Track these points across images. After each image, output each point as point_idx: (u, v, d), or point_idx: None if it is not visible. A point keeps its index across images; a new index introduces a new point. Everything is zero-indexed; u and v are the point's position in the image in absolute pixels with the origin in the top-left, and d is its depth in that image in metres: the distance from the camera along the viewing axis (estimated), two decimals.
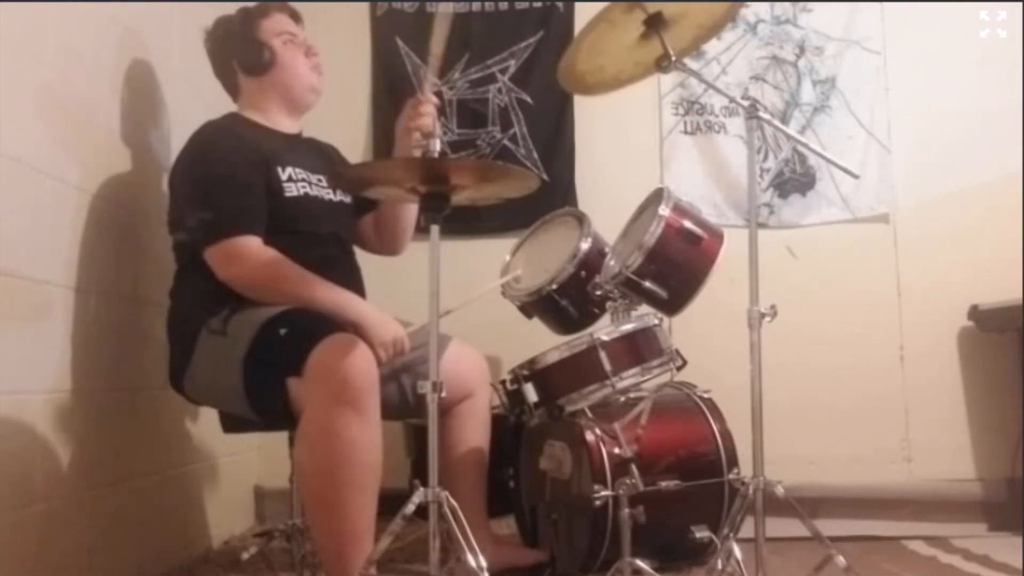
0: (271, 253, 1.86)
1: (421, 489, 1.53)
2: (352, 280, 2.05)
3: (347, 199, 2.11)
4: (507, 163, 2.30)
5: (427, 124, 1.94)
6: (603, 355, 1.99)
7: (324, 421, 1.67)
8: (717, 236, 2.04)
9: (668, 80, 2.98)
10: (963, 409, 2.89)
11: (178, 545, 2.29)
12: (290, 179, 1.97)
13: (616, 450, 1.93)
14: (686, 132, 3.03)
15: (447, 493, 1.53)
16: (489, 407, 2.20)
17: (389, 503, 1.67)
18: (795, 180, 3.00)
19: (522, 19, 3.05)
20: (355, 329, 1.81)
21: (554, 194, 2.93)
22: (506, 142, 3.03)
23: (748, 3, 2.97)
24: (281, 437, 2.00)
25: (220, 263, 1.85)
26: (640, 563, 1.78)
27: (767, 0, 3.04)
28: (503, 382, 2.16)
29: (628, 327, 2.06)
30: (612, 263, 2.13)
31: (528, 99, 3.03)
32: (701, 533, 1.94)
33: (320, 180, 2.05)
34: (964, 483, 2.81)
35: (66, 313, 1.81)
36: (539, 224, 2.46)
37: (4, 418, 1.60)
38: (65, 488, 1.76)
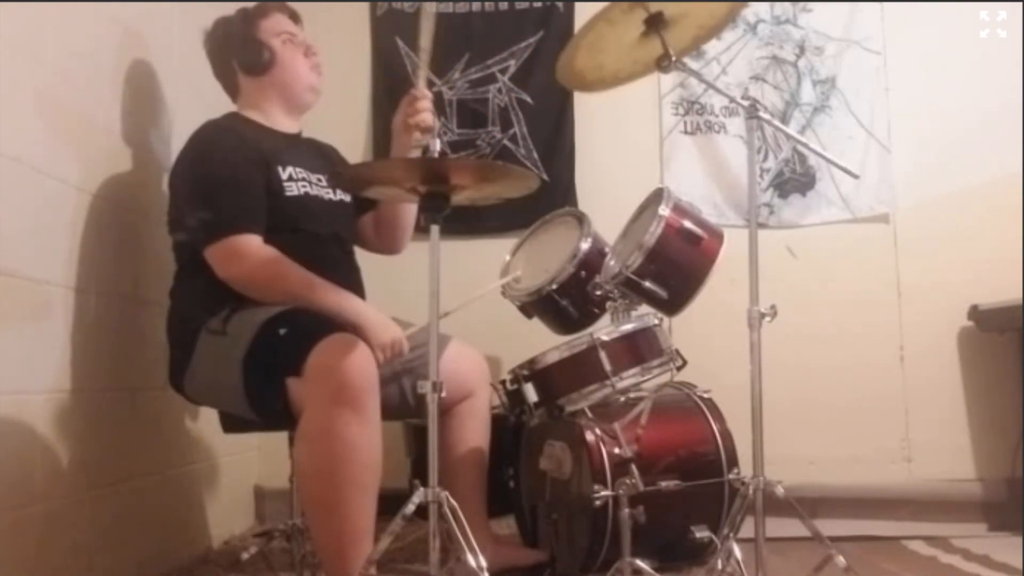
0: (272, 252, 1.86)
1: (421, 489, 1.53)
2: (352, 280, 2.05)
3: (347, 198, 2.11)
4: (507, 163, 2.30)
5: (426, 119, 1.94)
6: (603, 355, 1.99)
7: (324, 421, 1.67)
8: (717, 236, 2.03)
9: (668, 80, 2.98)
10: (963, 409, 2.89)
11: (178, 545, 2.29)
12: (290, 178, 1.97)
13: (616, 450, 1.93)
14: (686, 132, 3.03)
15: (447, 493, 1.53)
16: (489, 407, 2.20)
17: (389, 503, 1.67)
18: (795, 180, 3.00)
19: (522, 19, 3.05)
20: (354, 330, 1.81)
21: (554, 194, 2.93)
22: (506, 142, 3.03)
23: (749, 3, 2.97)
24: (281, 437, 2.00)
25: (220, 261, 1.85)
26: (640, 563, 1.78)
27: (767, 0, 3.04)
28: (503, 382, 2.16)
29: (628, 327, 2.06)
30: (612, 263, 2.13)
31: (528, 99, 3.03)
32: (701, 533, 1.94)
33: (320, 180, 2.05)
34: (964, 483, 2.81)
35: (66, 313, 1.81)
36: (539, 224, 2.46)
37: (4, 418, 1.60)
38: (65, 488, 1.76)
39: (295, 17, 2.13)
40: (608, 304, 2.15)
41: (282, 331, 1.76)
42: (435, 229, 1.59)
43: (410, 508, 1.53)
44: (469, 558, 1.51)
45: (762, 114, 1.80)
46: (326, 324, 1.76)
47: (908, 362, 2.91)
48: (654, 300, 2.02)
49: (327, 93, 2.18)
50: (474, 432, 2.13)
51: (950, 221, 2.92)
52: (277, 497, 2.71)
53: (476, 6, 3.06)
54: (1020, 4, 2.90)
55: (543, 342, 2.15)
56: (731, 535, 1.70)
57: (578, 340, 2.04)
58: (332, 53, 2.42)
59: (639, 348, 2.05)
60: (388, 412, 1.82)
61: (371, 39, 3.08)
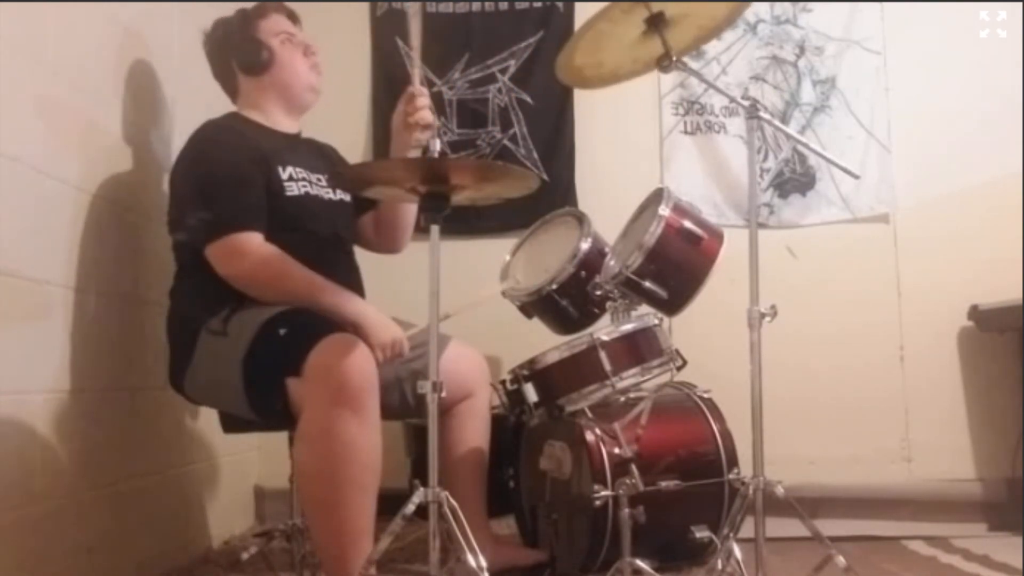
0: (273, 250, 1.86)
1: (421, 489, 1.53)
2: (352, 280, 2.05)
3: (347, 198, 2.11)
4: (507, 163, 2.30)
5: (425, 116, 1.94)
6: (603, 355, 1.99)
7: (323, 421, 1.67)
8: (717, 236, 2.03)
9: (668, 80, 2.98)
10: (963, 409, 2.89)
11: (178, 545, 2.29)
12: (291, 178, 1.97)
13: (616, 450, 1.93)
14: (686, 132, 3.03)
15: (447, 493, 1.53)
16: (489, 407, 2.20)
17: (389, 503, 1.67)
18: (795, 180, 3.00)
19: (522, 19, 3.05)
20: (354, 329, 1.81)
21: (554, 194, 2.93)
22: (506, 142, 3.03)
23: (750, 4, 2.97)
24: (281, 437, 2.00)
25: (222, 259, 1.85)
26: (640, 563, 1.78)
27: (767, 0, 3.04)
28: (503, 382, 2.16)
29: (628, 327, 2.06)
30: (612, 263, 2.13)
31: (528, 99, 3.03)
32: (701, 533, 1.94)
33: (320, 179, 2.05)
34: (964, 483, 2.81)
35: (66, 313, 1.81)
36: (539, 224, 2.46)
37: (4, 418, 1.60)
38: (65, 488, 1.76)
39: (293, 17, 2.13)
40: (608, 304, 2.15)
41: (282, 331, 1.76)
42: (435, 229, 1.59)
43: (410, 508, 1.53)
44: (469, 558, 1.51)
45: (762, 114, 1.80)
46: (326, 324, 1.76)
47: (908, 362, 2.91)
48: (654, 300, 2.02)
49: (327, 93, 2.18)
50: (474, 432, 2.13)
51: (950, 221, 2.92)
52: (277, 497, 2.71)
53: (476, 6, 3.06)
54: (1020, 4, 2.90)
55: (543, 342, 2.15)
56: (731, 535, 1.70)
57: (578, 340, 2.04)
58: (332, 53, 2.41)
59: (639, 348, 2.05)
60: (388, 412, 1.82)
61: (371, 39, 3.08)
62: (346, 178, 2.03)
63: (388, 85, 3.02)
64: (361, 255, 2.18)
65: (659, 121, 3.03)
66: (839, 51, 3.02)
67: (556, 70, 1.99)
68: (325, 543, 1.74)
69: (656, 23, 1.81)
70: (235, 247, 1.84)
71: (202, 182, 1.90)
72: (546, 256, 2.33)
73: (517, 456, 2.29)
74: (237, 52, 2.06)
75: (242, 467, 2.80)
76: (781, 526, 1.79)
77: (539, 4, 3.05)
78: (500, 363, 2.60)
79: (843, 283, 2.93)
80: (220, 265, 1.85)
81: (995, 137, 2.92)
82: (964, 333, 2.88)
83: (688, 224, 1.99)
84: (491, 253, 2.55)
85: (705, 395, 2.15)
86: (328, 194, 2.05)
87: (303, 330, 1.74)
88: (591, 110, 3.01)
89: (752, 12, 3.02)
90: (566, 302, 2.24)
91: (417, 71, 1.93)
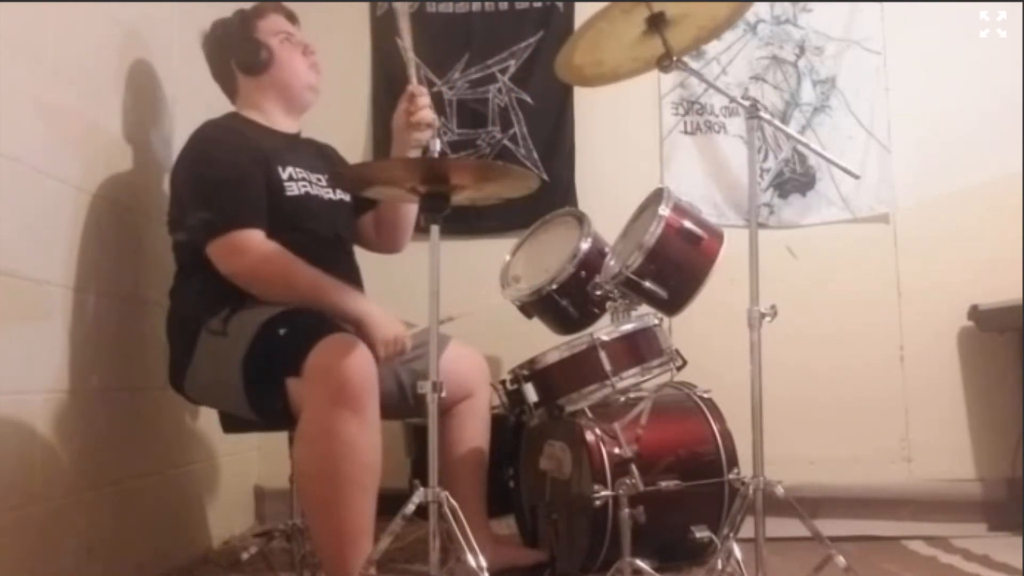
0: (274, 246, 1.86)
1: (421, 489, 1.53)
2: (352, 280, 2.05)
3: (347, 198, 2.11)
4: (507, 163, 2.30)
5: (428, 115, 1.94)
6: (603, 355, 1.99)
7: (323, 421, 1.67)
8: (717, 236, 2.03)
9: (668, 80, 2.98)
10: (963, 409, 2.88)
11: (178, 545, 2.29)
12: (290, 178, 1.97)
13: (616, 450, 1.93)
14: (686, 132, 3.03)
15: (447, 493, 1.53)
16: (489, 407, 2.20)
17: (389, 503, 1.67)
18: (795, 180, 3.00)
19: (522, 19, 3.05)
20: (357, 325, 1.81)
21: (554, 194, 2.92)
22: (506, 142, 3.03)
23: (751, 4, 2.97)
24: (281, 437, 2.00)
25: (223, 256, 1.85)
26: (640, 563, 1.78)
27: (767, 0, 3.04)
28: (503, 382, 2.16)
29: (628, 327, 2.06)
30: (612, 263, 2.13)
31: (528, 99, 3.03)
32: (701, 533, 1.94)
33: (320, 179, 2.05)
34: (964, 483, 2.81)
35: (66, 313, 1.81)
36: (539, 224, 2.46)
37: (4, 418, 1.60)
38: (65, 488, 1.76)
39: (292, 17, 2.13)
40: (608, 304, 2.15)
41: (282, 331, 1.76)
42: (435, 229, 1.59)
43: (410, 508, 1.53)
44: (469, 558, 1.51)
45: (762, 114, 1.80)
46: (326, 324, 1.76)
47: (908, 362, 2.90)
48: (654, 300, 2.02)
49: (327, 93, 2.18)
50: (474, 432, 2.13)
51: (950, 221, 2.91)
52: (277, 497, 2.71)
53: (476, 6, 3.06)
54: (1020, 4, 2.90)
55: (543, 342, 2.15)
56: (731, 535, 1.70)
57: (578, 340, 2.04)
58: (332, 53, 2.42)
59: (639, 348, 2.05)
60: (388, 412, 1.82)
61: (371, 39, 3.08)
62: (346, 178, 2.03)
63: (388, 85, 3.01)
64: (361, 255, 2.18)
65: (659, 121, 3.02)
66: (839, 51, 3.02)
67: (556, 68, 1.98)
68: (325, 543, 1.74)
69: (656, 23, 1.81)
70: (236, 244, 1.84)
71: (202, 181, 1.90)
72: (546, 256, 2.33)
73: (517, 456, 2.29)
74: (236, 52, 2.06)
75: (242, 467, 2.80)
76: (781, 526, 1.79)
77: (539, 4, 3.05)
78: (500, 363, 2.59)
79: (843, 283, 2.93)
80: (221, 262, 1.85)
81: (995, 137, 2.92)
82: (964, 333, 2.88)
83: (688, 224, 1.99)
84: (491, 253, 2.55)
85: (705, 395, 2.15)
86: (328, 194, 2.05)
87: (303, 330, 1.74)
88: (591, 110, 3.01)
89: (752, 12, 3.02)
90: (566, 302, 2.24)
91: (413, 70, 1.93)
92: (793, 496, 1.66)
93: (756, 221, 1.81)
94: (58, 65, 1.79)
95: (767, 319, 1.73)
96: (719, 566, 1.69)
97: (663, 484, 1.92)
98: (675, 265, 1.99)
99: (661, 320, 2.10)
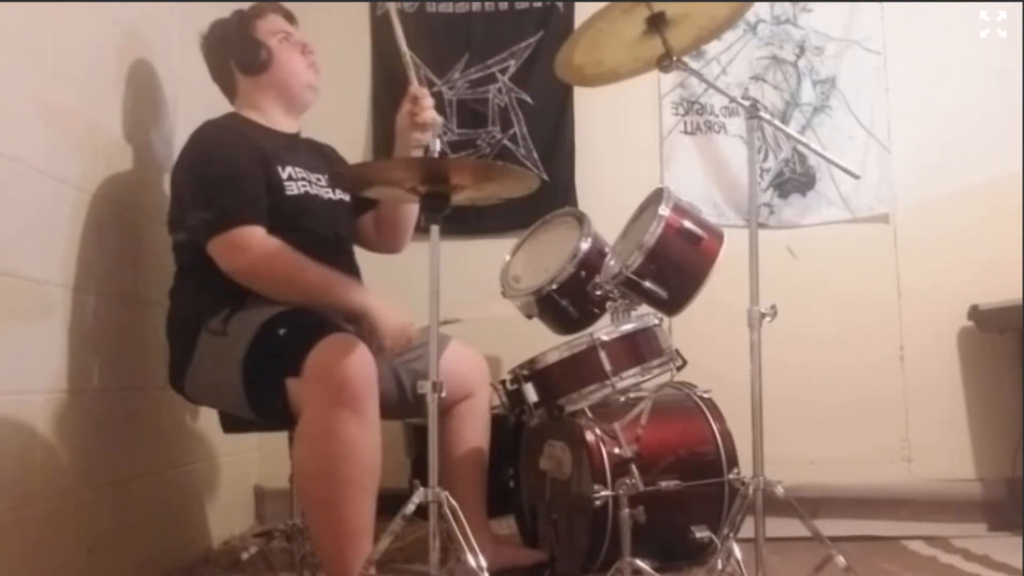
0: (275, 243, 1.86)
1: (421, 489, 1.53)
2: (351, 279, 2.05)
3: (346, 198, 2.11)
4: (507, 163, 2.30)
5: (432, 115, 1.94)
6: (603, 355, 1.99)
7: (323, 421, 1.66)
8: (717, 236, 2.03)
9: (668, 80, 2.98)
10: (963, 409, 2.89)
11: (178, 545, 2.29)
12: (290, 178, 1.97)
13: (616, 450, 1.93)
14: (686, 132, 3.03)
15: (447, 493, 1.53)
16: (489, 407, 2.20)
17: (389, 503, 1.67)
18: (795, 180, 3.00)
19: (522, 19, 3.05)
20: (362, 318, 1.81)
21: (554, 194, 2.92)
22: (506, 142, 3.03)
23: (751, 4, 2.97)
24: (281, 437, 2.00)
25: (224, 254, 1.84)
26: (640, 563, 1.78)
27: (767, 0, 3.04)
28: (503, 382, 2.16)
29: (628, 327, 2.06)
30: (612, 263, 2.13)
31: (528, 99, 3.03)
32: (701, 533, 1.94)
33: (320, 179, 2.05)
34: (964, 483, 2.81)
35: (66, 313, 1.81)
36: (539, 224, 2.46)
37: (4, 418, 1.60)
38: (65, 488, 1.76)
39: (290, 17, 2.13)
40: (608, 304, 2.15)
41: (282, 331, 1.76)
42: (435, 229, 1.59)
43: (410, 508, 1.53)
44: (469, 558, 1.51)
45: (762, 114, 1.80)
46: (326, 324, 1.76)
47: (908, 362, 2.91)
48: (654, 300, 2.02)
49: (327, 93, 2.18)
50: (474, 432, 2.13)
51: (950, 221, 2.92)
52: (277, 497, 2.71)
53: (476, 6, 3.06)
54: (1020, 4, 2.90)
55: (543, 342, 2.15)
56: (731, 535, 1.70)
57: (578, 340, 2.04)
58: (332, 53, 2.42)
59: (639, 348, 2.05)
60: (388, 411, 1.82)
61: (371, 39, 3.09)
62: (346, 178, 2.03)
63: (388, 85, 3.02)
64: (361, 255, 2.18)
65: (659, 121, 3.02)
66: (839, 51, 3.02)
67: (556, 68, 1.98)
68: (325, 543, 1.74)
69: (656, 23, 1.81)
70: (237, 241, 1.84)
71: (202, 180, 1.90)
72: (546, 256, 2.33)
73: (517, 456, 2.29)
74: (235, 52, 2.06)
75: (242, 467, 2.80)
76: (781, 526, 1.79)
77: (539, 4, 3.05)
78: (500, 363, 2.59)
79: (843, 283, 2.93)
80: (223, 260, 1.85)
81: (995, 137, 2.92)
82: (964, 333, 2.88)
83: (688, 224, 1.99)
84: (491, 253, 2.55)
85: (705, 395, 2.14)
86: (328, 194, 2.05)
87: (303, 330, 1.74)
88: (591, 110, 3.01)
89: (752, 12, 3.02)
90: (566, 302, 2.24)
91: (410, 72, 1.94)
92: (793, 496, 1.66)
93: (756, 221, 1.81)
94: (58, 65, 1.79)
95: (767, 319, 1.73)
96: (719, 566, 1.68)
97: (663, 484, 1.92)
98: (675, 265, 1.99)
99: (661, 320, 2.10)
